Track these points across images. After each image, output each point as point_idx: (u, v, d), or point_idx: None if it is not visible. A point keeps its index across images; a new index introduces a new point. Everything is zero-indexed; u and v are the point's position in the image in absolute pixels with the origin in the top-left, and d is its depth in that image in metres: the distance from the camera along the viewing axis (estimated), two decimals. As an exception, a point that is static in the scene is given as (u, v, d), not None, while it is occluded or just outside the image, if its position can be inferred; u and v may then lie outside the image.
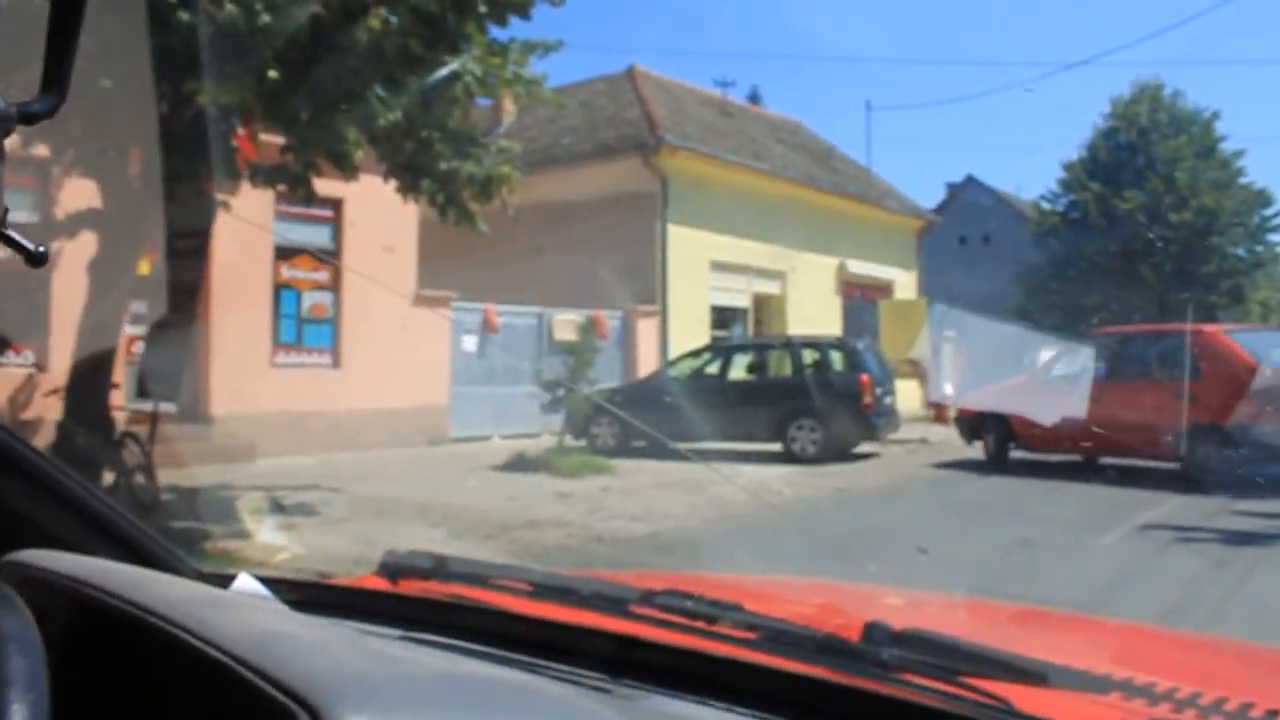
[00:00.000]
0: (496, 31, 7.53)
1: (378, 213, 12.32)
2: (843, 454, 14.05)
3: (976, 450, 14.13)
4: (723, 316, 19.94)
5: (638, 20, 66.25)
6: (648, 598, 1.27)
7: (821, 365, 14.76)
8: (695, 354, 15.79)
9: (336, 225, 13.91)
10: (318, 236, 13.85)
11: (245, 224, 9.81)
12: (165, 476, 8.57)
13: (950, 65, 66.36)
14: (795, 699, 1.03)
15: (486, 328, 15.94)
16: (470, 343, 15.72)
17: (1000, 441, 13.70)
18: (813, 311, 20.69)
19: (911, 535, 8.44)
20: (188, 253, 10.16)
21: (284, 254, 13.53)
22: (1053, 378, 13.21)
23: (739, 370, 15.40)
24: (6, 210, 0.71)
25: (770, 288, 20.90)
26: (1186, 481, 10.83)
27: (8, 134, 0.70)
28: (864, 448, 14.64)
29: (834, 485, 11.65)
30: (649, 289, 18.08)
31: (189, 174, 7.30)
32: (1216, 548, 7.83)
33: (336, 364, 13.96)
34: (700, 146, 19.20)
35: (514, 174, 8.23)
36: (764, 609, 1.24)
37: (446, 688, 0.95)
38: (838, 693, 1.03)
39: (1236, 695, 1.15)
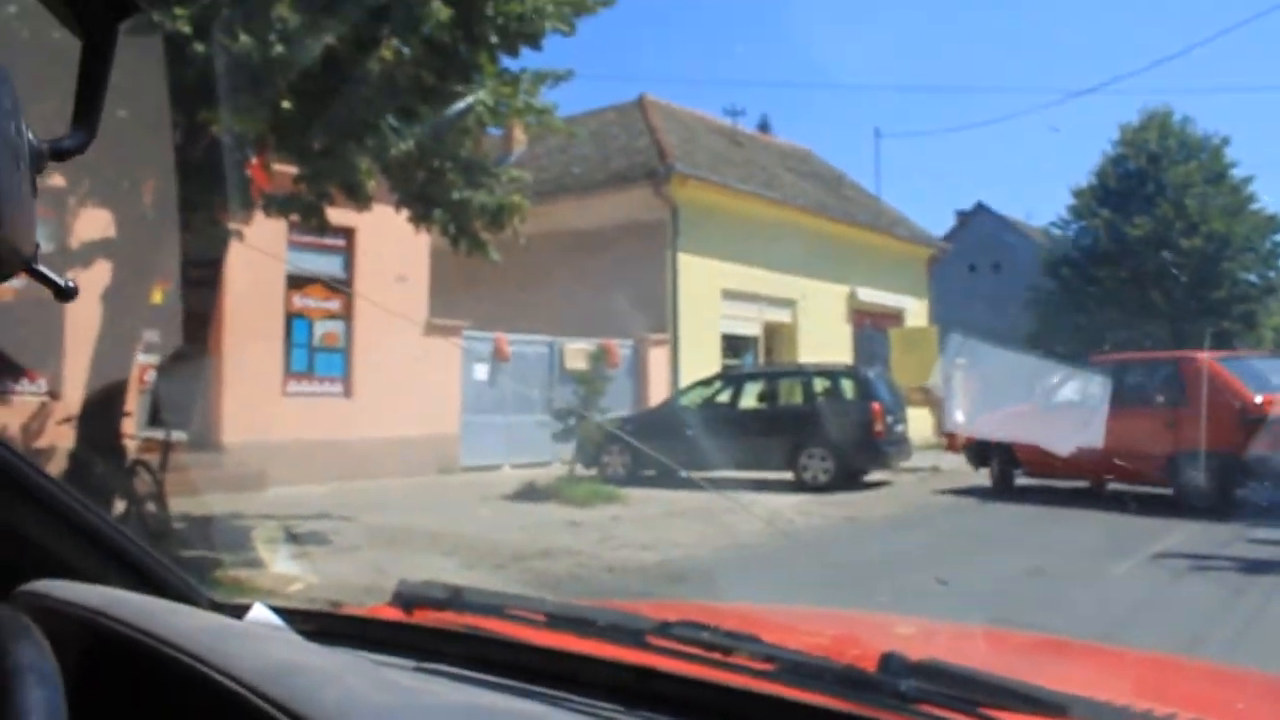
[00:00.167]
0: (508, 61, 7.60)
1: (390, 242, 12.38)
2: (854, 482, 14.00)
3: (984, 477, 14.24)
4: (734, 345, 19.94)
5: (648, 50, 66.70)
6: (664, 629, 1.26)
7: (832, 393, 14.75)
8: (706, 382, 15.78)
9: (349, 254, 13.99)
10: (330, 266, 13.93)
11: (258, 253, 9.86)
12: (176, 505, 8.57)
13: (959, 93, 66.57)
14: None
15: (498, 356, 15.97)
16: (481, 371, 15.75)
17: (1004, 468, 13.91)
18: (823, 339, 20.67)
19: (923, 564, 8.40)
20: (201, 282, 10.23)
21: (296, 283, 13.60)
22: (1054, 405, 13.26)
23: (750, 399, 15.38)
24: (38, 246, 0.72)
25: (781, 316, 20.90)
26: (1193, 509, 10.91)
27: (40, 170, 0.71)
28: (875, 476, 14.59)
29: (844, 514, 11.60)
30: (660, 318, 18.10)
31: (203, 204, 7.36)
32: (1232, 576, 7.76)
33: (348, 393, 13.99)
34: (711, 175, 19.26)
35: (525, 203, 8.25)
36: (780, 640, 1.23)
37: (463, 718, 0.95)
38: None
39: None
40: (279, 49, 6.16)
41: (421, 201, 7.98)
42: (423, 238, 10.42)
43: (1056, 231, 31.96)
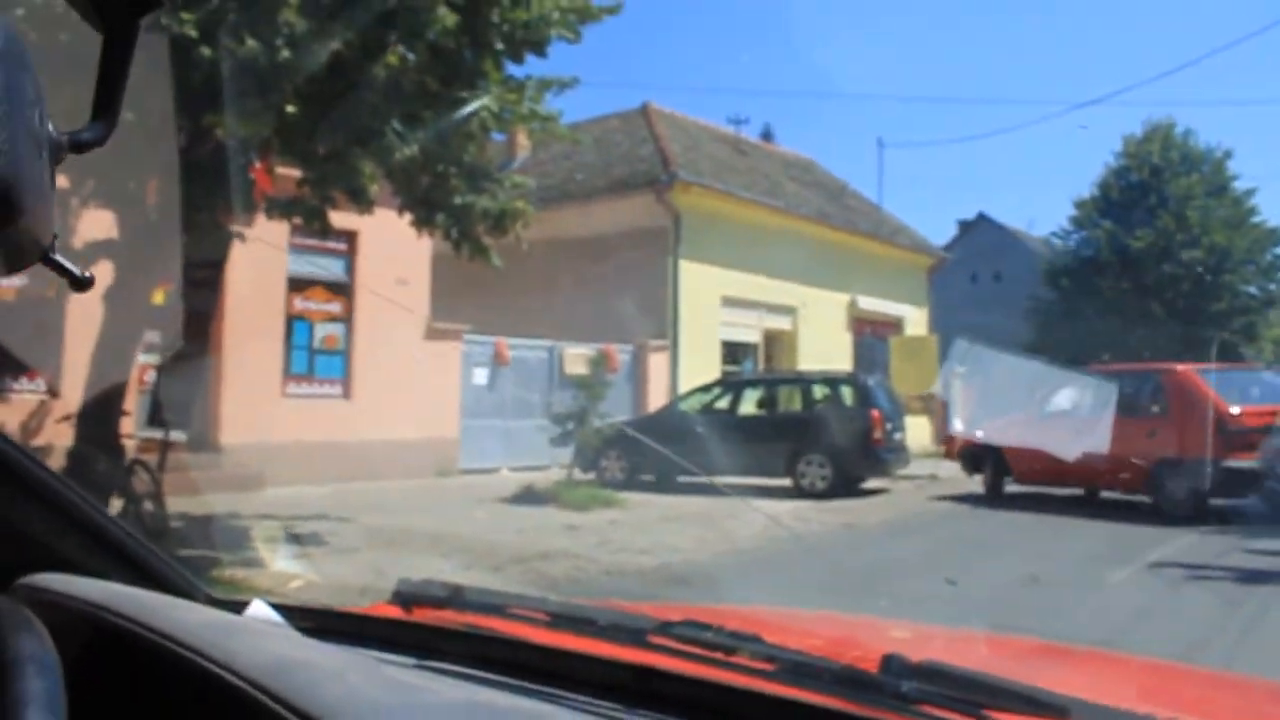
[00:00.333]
0: (513, 68, 7.61)
1: (392, 246, 12.38)
2: (852, 489, 14.00)
3: (979, 484, 14.44)
4: (733, 351, 19.94)
5: (652, 58, 66.78)
6: (665, 628, 1.26)
7: (832, 400, 14.75)
8: (705, 388, 15.77)
9: (350, 258, 14.00)
10: (332, 269, 13.93)
11: (260, 255, 9.86)
12: (175, 504, 8.58)
13: (962, 103, 66.57)
14: None
15: (497, 360, 15.97)
16: (481, 375, 15.75)
17: (996, 474, 14.17)
18: (823, 347, 20.67)
19: (921, 570, 8.40)
20: (202, 283, 10.23)
21: (297, 285, 13.61)
22: (1046, 413, 13.38)
23: (749, 405, 15.38)
24: (55, 236, 0.72)
25: (781, 323, 20.90)
26: (1187, 519, 11.15)
27: (59, 162, 0.71)
28: (873, 483, 14.59)
29: (842, 520, 11.59)
30: (660, 324, 18.10)
31: (206, 206, 7.36)
32: (1229, 586, 7.77)
33: (347, 395, 13.99)
34: (713, 183, 19.28)
35: (528, 209, 8.26)
36: (781, 641, 1.23)
37: (464, 715, 0.95)
38: None
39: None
40: (285, 54, 6.17)
41: (424, 206, 7.98)
42: (425, 242, 10.43)
43: (1058, 242, 31.97)
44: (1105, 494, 13.18)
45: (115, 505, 7.73)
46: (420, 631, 1.39)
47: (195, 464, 10.86)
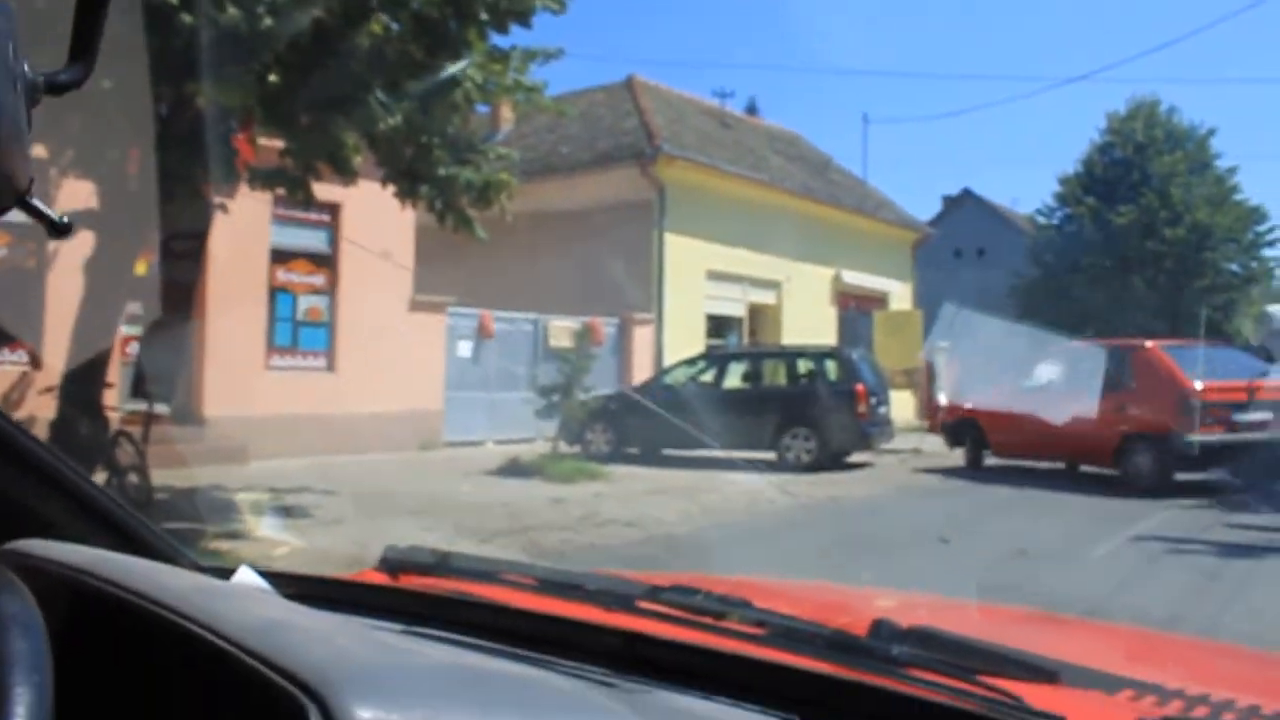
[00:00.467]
0: (497, 39, 7.55)
1: (375, 218, 12.30)
2: (836, 463, 14.06)
3: (961, 457, 14.65)
4: (718, 325, 19.95)
5: (637, 30, 66.43)
6: (654, 594, 1.26)
7: (816, 375, 14.78)
8: (690, 362, 15.79)
9: (334, 230, 13.90)
10: (315, 240, 13.84)
11: (242, 226, 9.78)
12: (158, 476, 8.55)
13: (947, 79, 66.60)
14: (804, 695, 1.02)
15: (482, 333, 15.93)
16: (465, 348, 15.71)
17: (975, 447, 14.44)
18: (808, 321, 20.69)
19: (906, 543, 8.45)
20: (184, 254, 10.15)
21: (280, 257, 13.52)
22: (1027, 386, 13.53)
23: (734, 379, 15.42)
24: (32, 180, 0.70)
25: (766, 297, 20.91)
26: (1162, 491, 11.39)
27: (36, 103, 0.70)
28: (857, 457, 14.66)
29: (827, 493, 11.65)
30: (645, 297, 18.09)
31: (187, 176, 7.28)
32: (1209, 560, 7.84)
33: (331, 367, 13.93)
34: (698, 156, 19.23)
35: (512, 181, 8.22)
36: (771, 606, 1.23)
37: (453, 678, 0.94)
38: (847, 689, 1.02)
39: (1244, 696, 1.14)
40: (267, 21, 6.10)
41: (408, 177, 7.93)
42: (408, 214, 10.37)
43: (1042, 219, 32.02)
44: (1085, 468, 13.31)
45: (100, 477, 7.69)
46: (408, 598, 1.38)
47: (179, 436, 10.80)
